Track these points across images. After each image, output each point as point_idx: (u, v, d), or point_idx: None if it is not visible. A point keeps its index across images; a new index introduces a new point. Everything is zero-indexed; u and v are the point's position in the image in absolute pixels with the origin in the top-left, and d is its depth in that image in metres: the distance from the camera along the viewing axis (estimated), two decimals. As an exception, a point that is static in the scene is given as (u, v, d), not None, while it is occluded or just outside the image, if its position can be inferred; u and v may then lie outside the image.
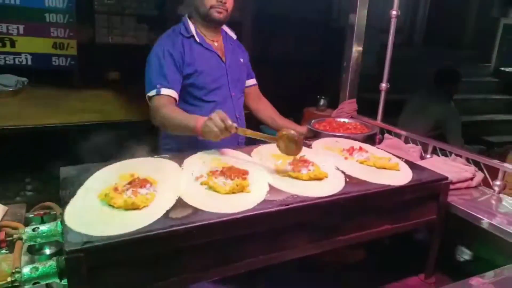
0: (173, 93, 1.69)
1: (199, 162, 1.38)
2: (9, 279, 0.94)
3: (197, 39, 1.81)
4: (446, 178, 1.38)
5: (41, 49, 3.81)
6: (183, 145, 1.72)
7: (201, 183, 1.22)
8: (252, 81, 2.08)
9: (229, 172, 1.25)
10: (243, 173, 1.26)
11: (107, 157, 1.42)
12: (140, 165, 1.32)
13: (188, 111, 1.68)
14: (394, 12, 1.98)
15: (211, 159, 1.41)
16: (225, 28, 1.95)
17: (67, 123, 2.85)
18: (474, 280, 0.89)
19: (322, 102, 3.16)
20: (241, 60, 1.96)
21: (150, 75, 1.72)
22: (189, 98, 1.79)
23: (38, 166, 1.93)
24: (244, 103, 2.06)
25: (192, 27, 1.82)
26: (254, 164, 1.40)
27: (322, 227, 1.20)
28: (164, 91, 1.67)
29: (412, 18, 5.85)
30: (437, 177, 1.38)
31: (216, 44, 1.87)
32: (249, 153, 1.53)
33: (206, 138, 1.45)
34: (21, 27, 3.73)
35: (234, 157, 1.46)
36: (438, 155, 1.78)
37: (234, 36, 1.99)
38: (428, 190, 1.36)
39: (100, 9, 4.26)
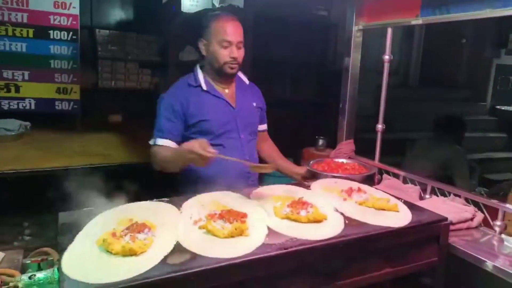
0: (168, 143, 1.84)
1: (198, 205, 1.39)
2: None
3: (205, 88, 1.91)
4: (446, 219, 1.38)
5: (45, 94, 3.89)
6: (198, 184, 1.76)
7: (199, 227, 1.21)
8: (262, 127, 2.16)
9: (227, 215, 1.25)
10: (242, 216, 1.26)
11: (107, 200, 1.42)
12: (139, 209, 1.32)
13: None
14: (386, 57, 2.05)
15: (210, 202, 1.42)
16: (239, 73, 2.03)
17: (67, 166, 2.86)
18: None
19: (320, 142, 3.19)
20: (254, 104, 2.03)
21: (155, 126, 1.90)
22: None
23: (37, 210, 1.92)
24: None
25: (201, 77, 1.93)
26: (253, 206, 1.40)
27: (322, 271, 1.19)
28: (160, 141, 1.84)
29: (406, 60, 6.02)
30: (437, 218, 1.38)
31: (227, 91, 1.97)
32: (248, 196, 1.53)
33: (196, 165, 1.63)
34: (26, 73, 3.84)
35: (233, 200, 1.46)
36: (437, 195, 1.78)
37: (247, 81, 2.07)
38: (428, 232, 1.35)
39: (104, 55, 4.40)
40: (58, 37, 3.91)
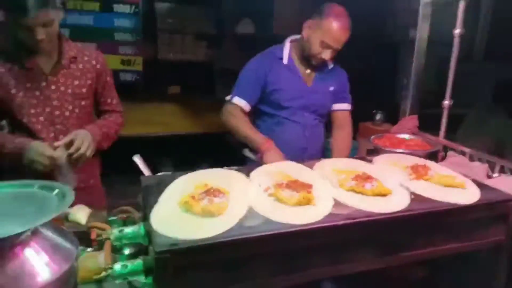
0: (243, 104, 1.97)
1: (265, 174, 1.46)
2: (103, 273, 1.05)
3: (285, 62, 2.01)
4: (516, 198, 1.35)
5: (110, 65, 4.11)
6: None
7: (269, 195, 1.29)
8: (344, 106, 2.16)
9: (294, 185, 1.30)
10: (308, 187, 1.32)
11: (174, 167, 1.54)
12: (211, 176, 1.42)
13: (259, 119, 2.07)
14: (457, 31, 1.96)
15: (275, 172, 1.48)
16: None
17: (131, 135, 3.06)
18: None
19: (378, 116, 3.16)
20: (331, 88, 2.07)
21: (235, 84, 2.04)
22: (266, 112, 2.07)
23: (107, 174, 2.12)
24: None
25: (286, 52, 2.02)
26: (317, 178, 1.45)
27: (386, 243, 1.22)
28: (236, 100, 1.98)
29: (471, 32, 5.64)
30: (506, 197, 1.35)
31: (307, 71, 2.02)
32: (311, 167, 1.58)
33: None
34: (93, 45, 4.08)
35: (297, 171, 1.52)
36: (506, 175, 1.73)
37: (330, 66, 2.09)
38: (496, 210, 1.33)
39: (162, 27, 4.54)
40: (121, 10, 4.10)
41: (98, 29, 4.08)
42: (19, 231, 0.77)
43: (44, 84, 1.79)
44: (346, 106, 2.16)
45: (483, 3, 5.44)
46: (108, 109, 2.03)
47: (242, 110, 2.01)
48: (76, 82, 1.86)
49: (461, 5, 1.95)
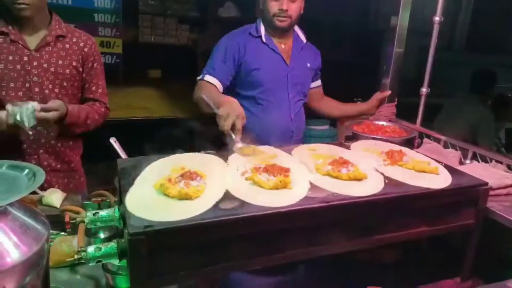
0: (215, 81, 1.85)
1: (243, 159, 1.46)
2: (76, 256, 1.04)
3: (264, 40, 1.94)
4: (486, 183, 1.39)
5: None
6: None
7: (246, 178, 1.29)
8: (316, 83, 2.17)
9: (272, 169, 1.31)
10: (285, 171, 1.33)
11: (155, 150, 1.52)
12: (189, 159, 1.41)
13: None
14: (437, 18, 1.98)
15: (254, 157, 1.48)
16: (297, 30, 2.03)
17: (112, 118, 3.01)
18: (512, 282, 0.91)
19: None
20: (308, 64, 2.05)
21: (206, 63, 1.92)
22: (244, 96, 1.96)
23: (89, 158, 2.09)
24: (308, 103, 2.18)
25: (262, 29, 1.96)
26: (295, 162, 1.46)
27: (360, 226, 1.25)
28: (208, 77, 1.85)
29: (453, 21, 5.71)
30: (476, 183, 1.39)
31: (283, 46, 1.98)
32: (289, 152, 1.59)
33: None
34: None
35: (275, 155, 1.52)
36: (478, 161, 1.78)
37: (304, 40, 2.07)
38: (467, 195, 1.38)
39: (144, 9, 4.45)
40: (102, -9, 3.99)
41: (77, 9, 3.96)
42: (-13, 211, 0.76)
43: (26, 59, 1.76)
44: (318, 83, 2.20)
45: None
46: (92, 97, 1.97)
47: (214, 88, 1.87)
48: (60, 62, 1.82)
49: (441, -8, 1.98)
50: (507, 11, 5.49)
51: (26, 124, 1.61)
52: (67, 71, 1.85)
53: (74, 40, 1.87)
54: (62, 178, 1.93)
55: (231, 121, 1.48)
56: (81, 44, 1.88)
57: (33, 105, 1.63)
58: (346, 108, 2.20)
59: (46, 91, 1.82)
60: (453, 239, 1.57)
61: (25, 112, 1.59)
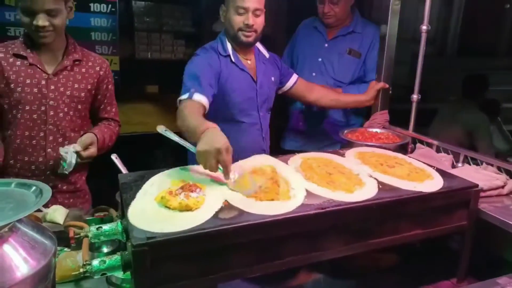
0: (204, 100, 1.68)
1: (240, 169, 1.50)
2: (81, 270, 1.07)
3: (233, 59, 1.89)
4: (477, 185, 1.43)
5: (87, 65, 4.10)
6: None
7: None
8: (294, 78, 2.10)
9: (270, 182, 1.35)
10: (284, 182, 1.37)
11: (151, 166, 1.56)
12: (188, 172, 1.45)
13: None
14: (424, 27, 2.04)
15: (250, 167, 1.52)
16: (258, 45, 2.02)
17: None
18: (502, 279, 0.95)
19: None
20: (272, 78, 2.02)
21: (186, 82, 1.78)
22: (220, 119, 1.78)
23: (92, 174, 2.13)
24: (301, 99, 2.18)
25: (229, 46, 1.90)
26: (292, 171, 1.50)
27: (355, 231, 1.29)
28: (197, 96, 1.67)
29: (444, 28, 5.82)
30: (467, 185, 1.44)
31: (249, 62, 1.95)
32: (285, 162, 1.63)
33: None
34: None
35: (274, 169, 1.56)
36: (470, 164, 1.83)
37: (267, 55, 2.05)
38: (458, 197, 1.42)
39: (140, 26, 4.52)
40: (98, 10, 4.06)
41: (74, 29, 4.02)
42: (-3, 227, 0.80)
43: (43, 82, 1.80)
44: (296, 76, 2.10)
45: (455, 0, 5.62)
46: (108, 117, 2.02)
47: (200, 109, 1.68)
48: (76, 85, 1.87)
49: (428, 2, 2.03)
50: (497, 15, 5.61)
51: (71, 168, 1.77)
52: (82, 94, 1.88)
53: (90, 64, 1.91)
54: (67, 198, 1.97)
55: (214, 161, 1.29)
56: (97, 68, 1.92)
57: (74, 146, 1.76)
58: (346, 99, 2.22)
59: (61, 114, 1.85)
60: (449, 241, 1.61)
61: (73, 157, 1.75)
